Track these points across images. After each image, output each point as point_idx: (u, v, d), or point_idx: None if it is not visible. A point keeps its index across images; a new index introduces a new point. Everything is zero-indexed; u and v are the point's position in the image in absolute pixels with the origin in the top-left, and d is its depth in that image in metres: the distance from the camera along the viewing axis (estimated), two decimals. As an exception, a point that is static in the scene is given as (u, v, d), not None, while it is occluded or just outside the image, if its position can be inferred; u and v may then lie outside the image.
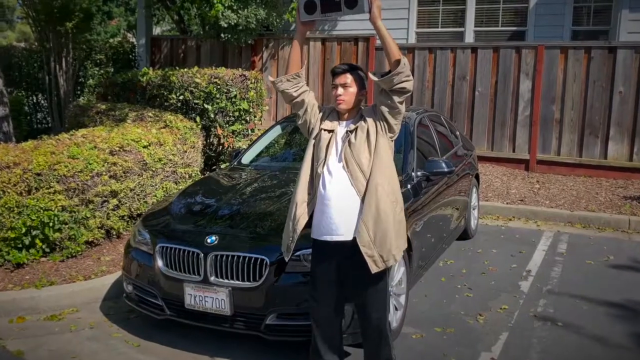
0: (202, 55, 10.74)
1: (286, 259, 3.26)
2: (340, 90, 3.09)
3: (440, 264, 5.52)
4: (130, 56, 11.59)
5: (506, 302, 4.66)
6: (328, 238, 3.04)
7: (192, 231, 3.94)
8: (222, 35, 9.58)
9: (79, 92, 11.27)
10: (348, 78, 3.09)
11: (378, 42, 9.31)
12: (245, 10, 9.14)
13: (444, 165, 4.77)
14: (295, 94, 3.13)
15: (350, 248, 2.99)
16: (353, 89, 3.10)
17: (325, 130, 3.13)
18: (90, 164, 5.08)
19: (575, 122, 8.49)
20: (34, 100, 11.57)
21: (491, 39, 9.56)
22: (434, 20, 10.20)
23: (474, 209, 6.53)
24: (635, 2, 8.68)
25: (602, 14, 9.27)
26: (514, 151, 8.85)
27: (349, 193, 3.01)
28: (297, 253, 3.51)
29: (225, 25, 9.18)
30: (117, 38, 15.47)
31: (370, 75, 3.00)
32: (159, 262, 3.86)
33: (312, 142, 3.17)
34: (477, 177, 6.74)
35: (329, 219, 3.02)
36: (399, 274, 4.00)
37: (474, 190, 6.55)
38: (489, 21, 9.89)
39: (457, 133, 6.64)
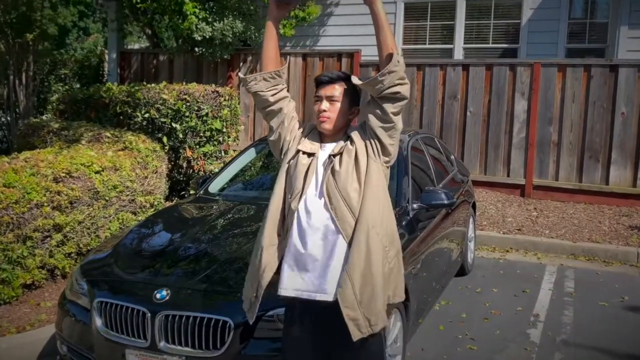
0: (175, 71, 10.01)
1: (250, 321, 2.51)
2: (324, 105, 2.40)
3: (436, 306, 4.83)
4: (99, 71, 10.84)
5: (516, 356, 4.01)
6: (302, 295, 2.33)
7: (138, 283, 3.18)
8: (197, 49, 8.90)
9: (41, 109, 10.49)
10: (336, 90, 2.40)
11: (363, 58, 8.76)
12: (221, 22, 8.46)
13: (443, 196, 4.10)
14: (272, 99, 2.43)
15: (333, 307, 2.28)
16: (341, 104, 2.40)
17: (303, 153, 2.41)
18: (28, 194, 4.31)
19: (574, 145, 7.93)
20: (-7, 118, 10.79)
21: (481, 56, 9.02)
22: (421, 37, 9.65)
23: (470, 242, 5.89)
24: (635, 18, 8.20)
25: (598, 32, 8.81)
26: (508, 175, 8.24)
27: (333, 236, 2.30)
28: (271, 312, 2.80)
29: (200, 39, 8.51)
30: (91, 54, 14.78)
31: (354, 79, 2.34)
32: (97, 321, 3.09)
33: (285, 166, 2.44)
34: (473, 205, 6.11)
35: (304, 269, 2.31)
36: (394, 330, 3.30)
37: (471, 220, 5.91)
38: (478, 38, 9.38)
39: (452, 157, 6.01)
